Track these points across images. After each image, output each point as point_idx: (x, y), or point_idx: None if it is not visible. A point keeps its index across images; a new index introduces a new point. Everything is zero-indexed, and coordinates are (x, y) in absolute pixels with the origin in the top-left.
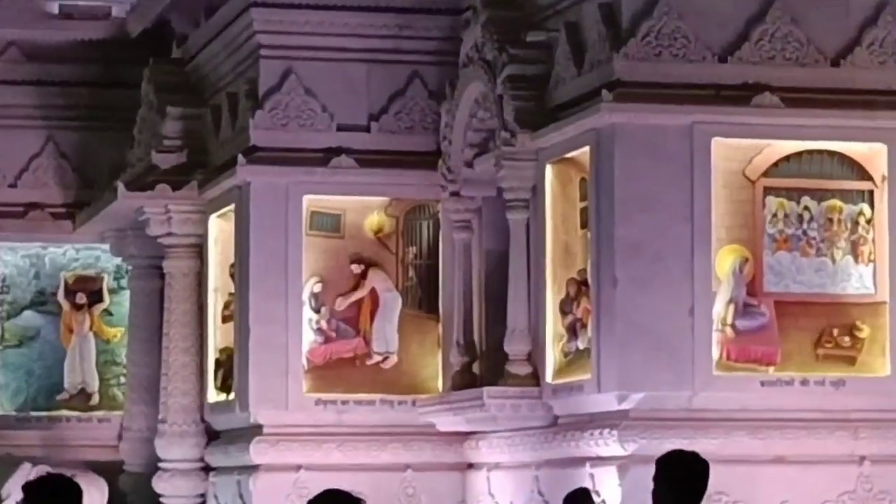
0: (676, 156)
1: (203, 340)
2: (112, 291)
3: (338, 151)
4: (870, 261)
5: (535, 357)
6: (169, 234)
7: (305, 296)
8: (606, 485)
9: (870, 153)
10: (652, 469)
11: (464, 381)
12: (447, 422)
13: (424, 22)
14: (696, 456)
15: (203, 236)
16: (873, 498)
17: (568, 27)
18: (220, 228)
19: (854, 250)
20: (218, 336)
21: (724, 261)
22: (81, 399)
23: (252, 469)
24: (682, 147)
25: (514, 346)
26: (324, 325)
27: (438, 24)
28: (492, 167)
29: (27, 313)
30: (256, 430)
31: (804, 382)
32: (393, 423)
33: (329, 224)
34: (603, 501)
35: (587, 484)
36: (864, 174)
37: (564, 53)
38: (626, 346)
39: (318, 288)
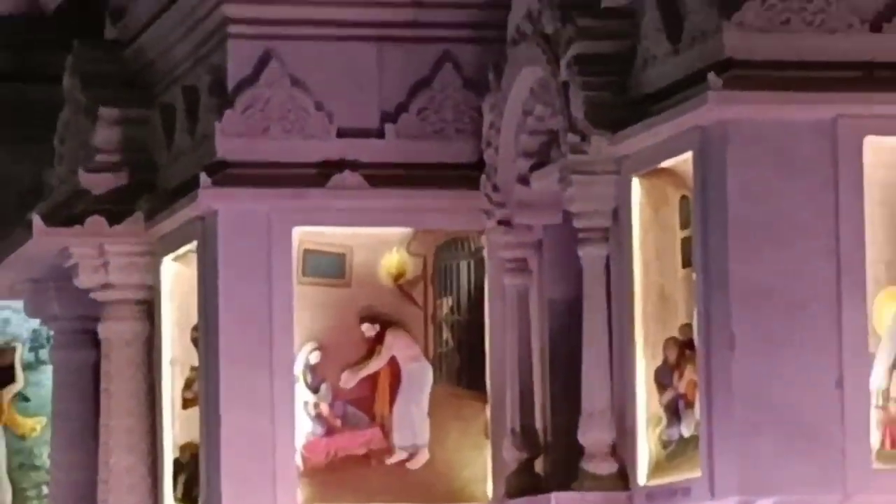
0: (815, 164)
1: (156, 434)
2: (28, 367)
3: (340, 166)
4: None
5: (621, 450)
6: (106, 286)
7: (299, 369)
8: None
9: None
10: None
11: (523, 484)
12: None
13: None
14: None
15: (154, 288)
16: None
17: (653, 10)
18: (176, 276)
19: None
20: (177, 428)
21: (885, 310)
22: None
23: None
24: (823, 151)
25: (592, 436)
26: (325, 409)
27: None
28: (555, 184)
29: None
30: None
31: None
32: None
33: (330, 267)
34: None
35: None
36: None
37: (654, 23)
38: (749, 432)
39: (315, 358)
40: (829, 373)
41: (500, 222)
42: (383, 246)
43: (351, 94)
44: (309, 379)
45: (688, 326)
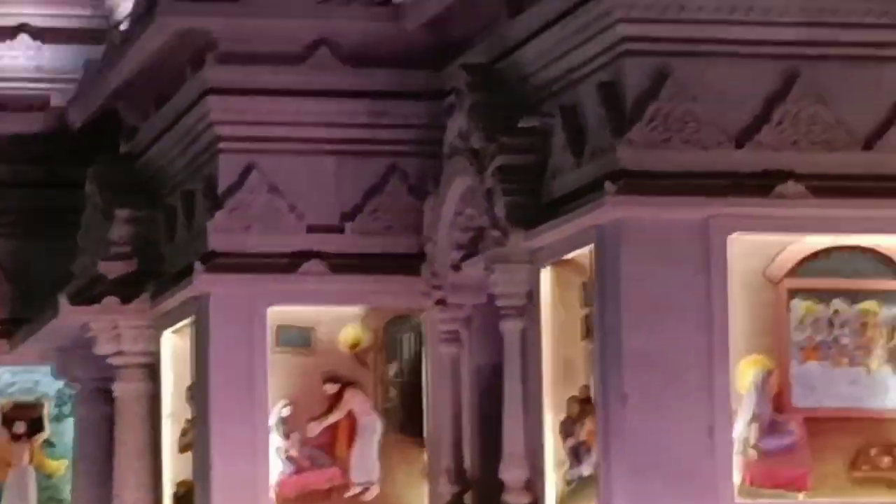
0: (690, 255)
1: (158, 473)
2: (54, 419)
3: (308, 256)
4: None
5: (534, 486)
6: (118, 353)
7: (273, 421)
8: None
9: None
10: None
11: None
12: None
13: (402, 108)
14: None
15: (156, 355)
16: None
17: (564, 111)
18: (175, 345)
19: (893, 359)
20: (175, 468)
21: (746, 373)
22: None
23: None
24: (697, 245)
25: (511, 474)
26: (295, 453)
27: (418, 110)
28: (482, 271)
29: None
30: None
31: None
32: None
33: (298, 339)
34: None
35: None
36: None
37: (561, 141)
38: (638, 472)
39: (287, 412)
40: (702, 425)
41: (437, 302)
42: (342, 321)
43: (317, 197)
44: (282, 429)
45: (586, 387)
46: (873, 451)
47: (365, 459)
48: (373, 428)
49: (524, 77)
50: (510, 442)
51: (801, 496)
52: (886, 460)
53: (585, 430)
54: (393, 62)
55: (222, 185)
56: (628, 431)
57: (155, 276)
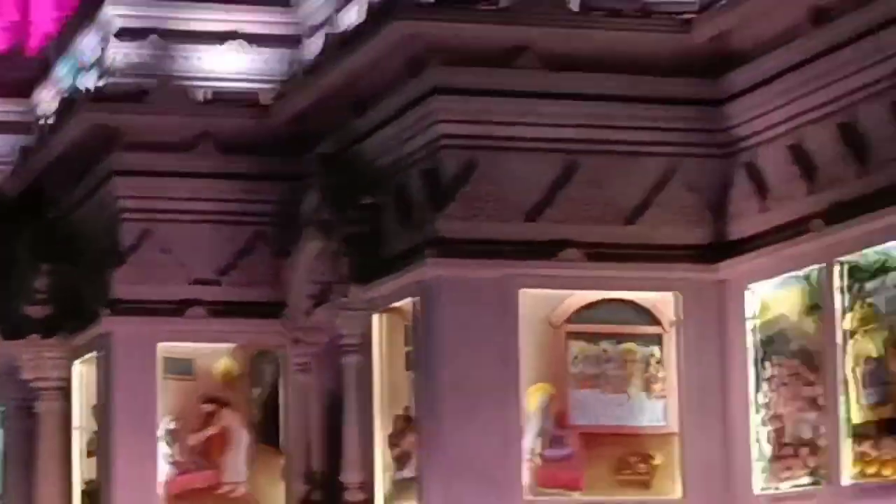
0: (490, 305)
1: (70, 473)
2: None
3: (191, 303)
4: (661, 396)
5: (367, 486)
6: (39, 379)
7: (161, 432)
8: None
9: (659, 301)
10: None
11: None
12: None
13: (268, 188)
14: None
15: (69, 380)
16: None
17: (396, 191)
18: (83, 373)
19: (647, 387)
20: (84, 469)
21: (534, 398)
22: None
23: None
24: (495, 297)
25: (349, 476)
26: (179, 458)
27: (280, 189)
28: (328, 316)
29: None
30: None
31: None
32: None
33: (183, 368)
34: None
35: None
36: (654, 320)
37: (393, 215)
38: (448, 475)
39: (172, 425)
40: (499, 438)
41: (293, 340)
42: (217, 355)
43: (200, 257)
44: (168, 439)
45: (408, 408)
46: (633, 459)
47: (235, 464)
48: (241, 439)
49: (365, 164)
50: (349, 451)
51: (576, 495)
52: (643, 466)
53: (407, 442)
54: (261, 150)
55: (124, 246)
56: (441, 443)
57: (70, 317)
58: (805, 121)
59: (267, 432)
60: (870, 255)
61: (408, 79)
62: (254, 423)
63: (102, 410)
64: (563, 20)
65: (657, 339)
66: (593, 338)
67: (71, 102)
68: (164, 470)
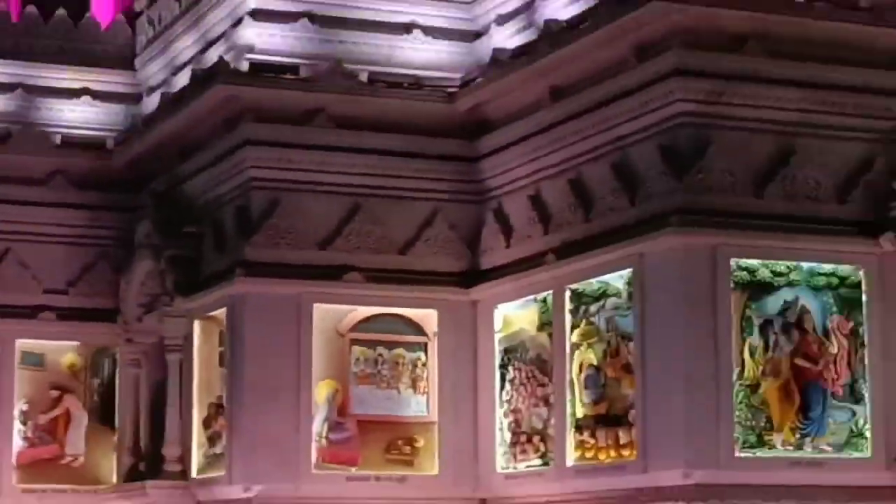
0: (289, 317)
1: None
2: None
3: (44, 308)
4: (424, 392)
5: (185, 459)
6: None
7: (16, 413)
8: None
9: (425, 316)
10: None
11: (132, 476)
12: None
13: (109, 217)
14: None
15: None
16: None
17: (213, 223)
18: None
19: (413, 385)
20: None
21: (322, 391)
22: None
23: None
24: (293, 311)
25: (170, 451)
26: (30, 434)
27: (120, 218)
28: (156, 322)
29: None
30: None
31: (377, 478)
32: None
33: (35, 361)
34: None
35: None
36: (420, 331)
37: (210, 241)
38: (250, 453)
39: (26, 407)
40: (293, 423)
41: (126, 340)
42: (64, 350)
43: (51, 271)
44: (22, 418)
45: (220, 396)
46: (400, 442)
47: (75, 439)
48: (81, 419)
49: (188, 200)
50: (170, 430)
51: (353, 469)
52: (408, 448)
53: (218, 424)
54: (105, 186)
55: None
56: (245, 426)
57: None
58: (542, 176)
59: (103, 414)
60: (592, 283)
61: (225, 132)
62: (92, 406)
63: None
64: (352, 89)
65: (423, 347)
66: (371, 344)
67: None
68: (17, 444)
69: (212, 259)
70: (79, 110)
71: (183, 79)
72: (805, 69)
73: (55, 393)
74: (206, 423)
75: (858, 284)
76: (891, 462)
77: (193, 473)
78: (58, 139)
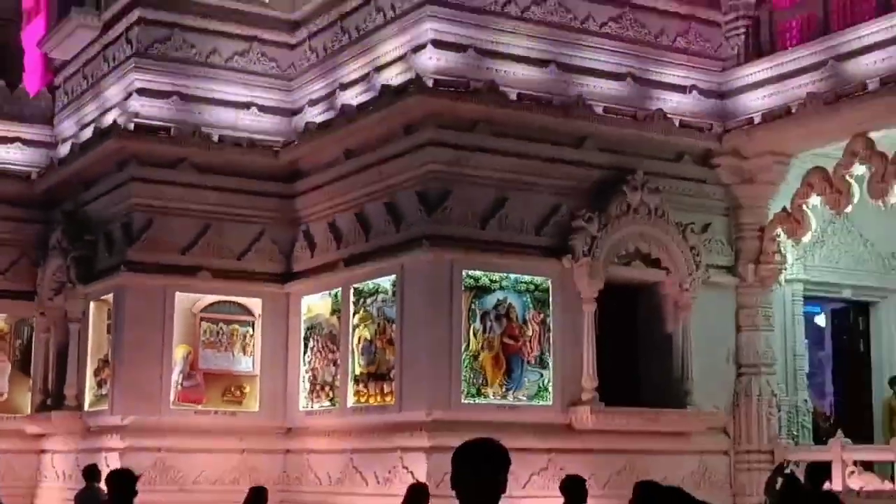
0: (157, 301)
1: None
2: None
3: None
4: (251, 355)
5: (80, 397)
6: None
7: None
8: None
9: (253, 303)
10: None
11: (42, 408)
12: (34, 428)
13: (32, 228)
14: None
15: None
16: (249, 470)
17: (105, 234)
18: None
19: (244, 350)
20: None
21: (179, 352)
22: None
23: None
24: (160, 296)
25: (69, 391)
26: None
27: (39, 228)
28: (63, 301)
29: None
30: None
31: (216, 413)
32: (7, 428)
33: None
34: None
35: (101, 465)
36: (250, 313)
37: (103, 246)
38: (126, 393)
39: None
40: (158, 373)
41: (40, 314)
42: None
43: None
44: None
45: (107, 355)
46: (233, 388)
47: (2, 382)
48: (6, 369)
49: (89, 217)
50: (70, 377)
51: (199, 406)
52: (238, 392)
53: (105, 374)
54: (29, 205)
55: None
56: (123, 376)
57: None
58: (337, 210)
59: (23, 365)
60: (369, 284)
61: (116, 171)
62: (15, 359)
63: None
64: (207, 144)
65: (251, 324)
66: (215, 321)
67: None
68: None
69: (103, 259)
70: (11, 152)
71: (87, 133)
72: (516, 145)
73: None
74: (96, 373)
75: (547, 290)
76: (565, 407)
77: (86, 407)
78: None
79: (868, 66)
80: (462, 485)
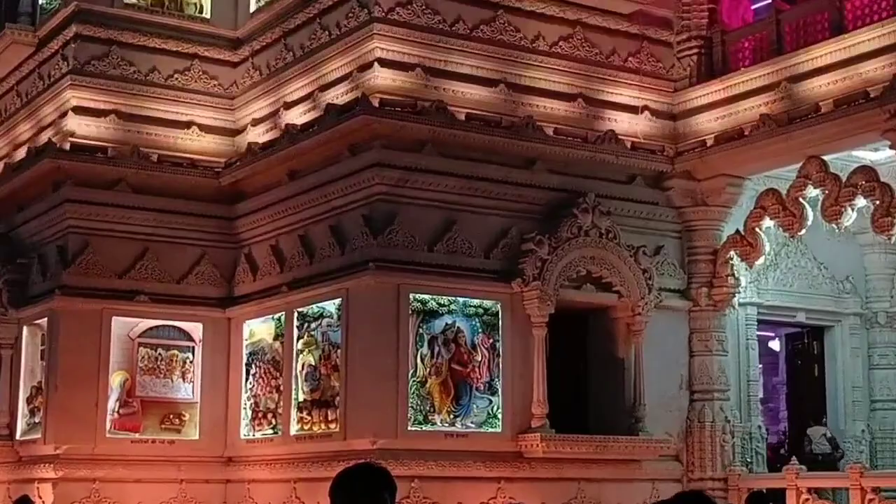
0: (93, 326)
1: None
2: None
3: None
4: (191, 381)
5: (11, 425)
6: None
7: None
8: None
9: (194, 328)
10: None
11: None
12: None
13: None
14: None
15: None
16: (188, 501)
17: (40, 257)
18: None
19: (183, 376)
20: None
21: (116, 379)
22: None
23: None
24: (97, 321)
25: (0, 420)
26: None
27: None
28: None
29: None
30: None
31: (153, 441)
32: None
33: None
34: None
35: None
36: (190, 338)
37: (37, 270)
38: (60, 421)
39: None
40: (93, 400)
41: None
42: None
43: None
44: None
45: (40, 381)
46: (172, 416)
47: None
48: None
49: (23, 241)
50: (1, 404)
51: (137, 434)
52: (178, 420)
53: (38, 401)
54: None
55: None
56: (57, 403)
57: None
58: (280, 232)
59: None
60: (313, 308)
61: (51, 192)
62: None
63: None
64: (145, 165)
65: (191, 349)
66: (153, 346)
67: None
68: None
69: (37, 282)
70: None
71: (21, 153)
72: (464, 166)
73: None
74: (29, 400)
75: (497, 313)
76: (515, 435)
77: (18, 436)
78: None
79: (821, 87)
80: None
